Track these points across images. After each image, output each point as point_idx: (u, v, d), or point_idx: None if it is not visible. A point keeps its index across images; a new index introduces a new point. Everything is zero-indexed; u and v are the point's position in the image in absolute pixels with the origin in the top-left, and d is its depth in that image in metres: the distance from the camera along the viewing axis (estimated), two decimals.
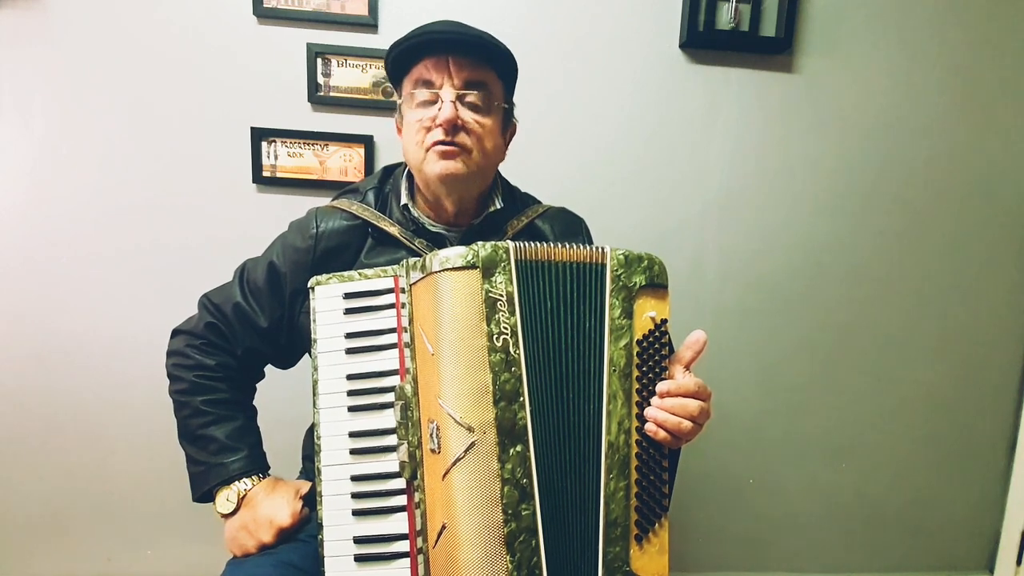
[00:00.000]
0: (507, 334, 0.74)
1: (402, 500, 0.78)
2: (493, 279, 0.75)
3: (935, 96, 1.68)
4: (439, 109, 0.90)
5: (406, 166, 1.01)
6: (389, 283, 0.82)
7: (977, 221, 1.74)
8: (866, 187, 1.70)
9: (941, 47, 1.66)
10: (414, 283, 0.79)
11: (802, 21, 1.62)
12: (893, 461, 1.83)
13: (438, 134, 0.90)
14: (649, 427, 0.78)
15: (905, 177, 1.71)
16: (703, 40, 1.59)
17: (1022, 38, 1.68)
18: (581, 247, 0.80)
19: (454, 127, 0.90)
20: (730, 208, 1.68)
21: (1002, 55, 1.68)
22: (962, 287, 1.77)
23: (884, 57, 1.65)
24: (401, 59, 0.93)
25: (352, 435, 0.80)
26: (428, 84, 0.91)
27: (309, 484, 0.97)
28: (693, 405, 0.78)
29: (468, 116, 0.91)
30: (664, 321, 0.80)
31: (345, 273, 0.85)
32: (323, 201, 1.05)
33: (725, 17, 1.58)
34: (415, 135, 0.93)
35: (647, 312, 0.80)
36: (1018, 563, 1.85)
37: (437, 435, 0.74)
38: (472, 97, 0.91)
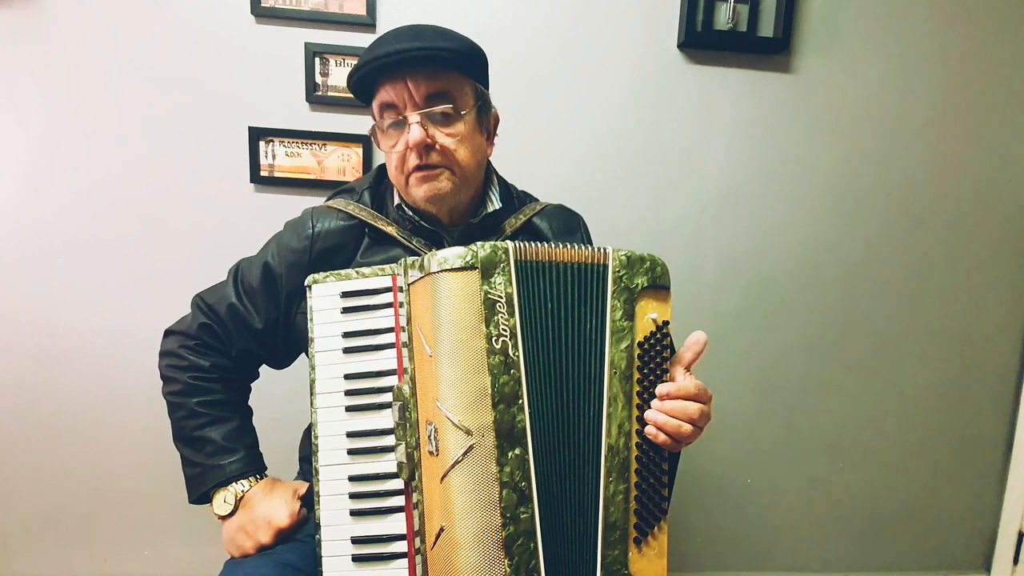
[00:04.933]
0: (506, 336, 0.74)
1: (400, 501, 0.78)
2: (492, 280, 0.74)
3: (932, 96, 1.68)
4: (408, 132, 0.88)
5: None
6: (387, 282, 0.82)
7: (974, 221, 1.75)
8: (863, 187, 1.70)
9: (938, 48, 1.66)
10: (412, 283, 0.78)
11: (800, 22, 1.62)
12: (890, 461, 1.83)
13: (413, 159, 0.89)
14: (649, 430, 0.78)
15: (902, 177, 1.71)
16: (701, 40, 1.59)
17: (1019, 39, 1.68)
18: (582, 248, 0.80)
19: (427, 147, 0.89)
20: (728, 208, 1.68)
21: (999, 56, 1.68)
22: (959, 287, 1.77)
23: (881, 58, 1.66)
24: (361, 86, 0.92)
25: (350, 435, 0.79)
26: (392, 107, 0.90)
27: (307, 485, 0.97)
28: (693, 408, 0.77)
29: (438, 132, 0.89)
30: (666, 323, 0.80)
31: (342, 271, 0.84)
32: (321, 201, 1.05)
33: (723, 17, 1.58)
34: (393, 161, 0.93)
35: (649, 314, 0.80)
36: (1015, 562, 1.85)
37: (435, 437, 0.73)
38: (438, 110, 0.88)
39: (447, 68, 0.88)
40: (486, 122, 0.97)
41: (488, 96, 0.97)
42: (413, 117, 0.88)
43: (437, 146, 0.89)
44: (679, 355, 0.83)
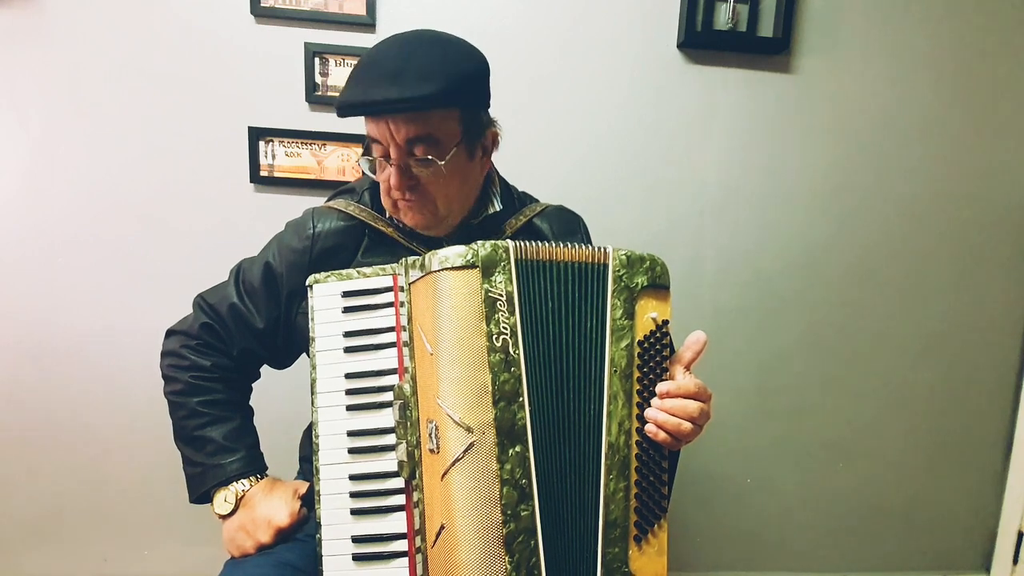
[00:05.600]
0: (507, 334, 0.74)
1: (401, 499, 0.78)
2: (493, 279, 0.75)
3: (932, 96, 1.69)
4: (389, 171, 0.88)
5: None
6: (388, 282, 0.82)
7: (973, 221, 1.75)
8: (863, 187, 1.71)
9: (938, 48, 1.67)
10: (413, 282, 0.78)
11: (800, 22, 1.62)
12: (890, 461, 1.83)
13: (396, 193, 0.89)
14: (649, 428, 0.78)
15: (901, 177, 1.71)
16: (701, 40, 1.59)
17: (1018, 39, 1.68)
18: (583, 247, 0.80)
19: (409, 186, 0.88)
20: (727, 208, 1.68)
21: (998, 56, 1.68)
22: (958, 287, 1.77)
23: (881, 58, 1.66)
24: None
25: (350, 434, 0.80)
26: (376, 141, 0.88)
27: (307, 484, 0.97)
28: (693, 406, 0.78)
29: (419, 172, 0.88)
30: (666, 322, 0.80)
31: (343, 271, 0.84)
32: (321, 201, 1.05)
33: (723, 17, 1.59)
34: (382, 185, 0.92)
35: (649, 313, 0.80)
36: (1015, 562, 1.85)
37: (436, 435, 0.73)
38: (419, 152, 0.85)
39: (431, 108, 0.84)
40: (480, 144, 0.93)
41: (481, 117, 0.93)
42: (393, 161, 0.87)
43: (420, 184, 0.88)
44: (679, 354, 0.83)
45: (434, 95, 0.82)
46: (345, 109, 0.85)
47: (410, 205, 0.91)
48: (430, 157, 0.85)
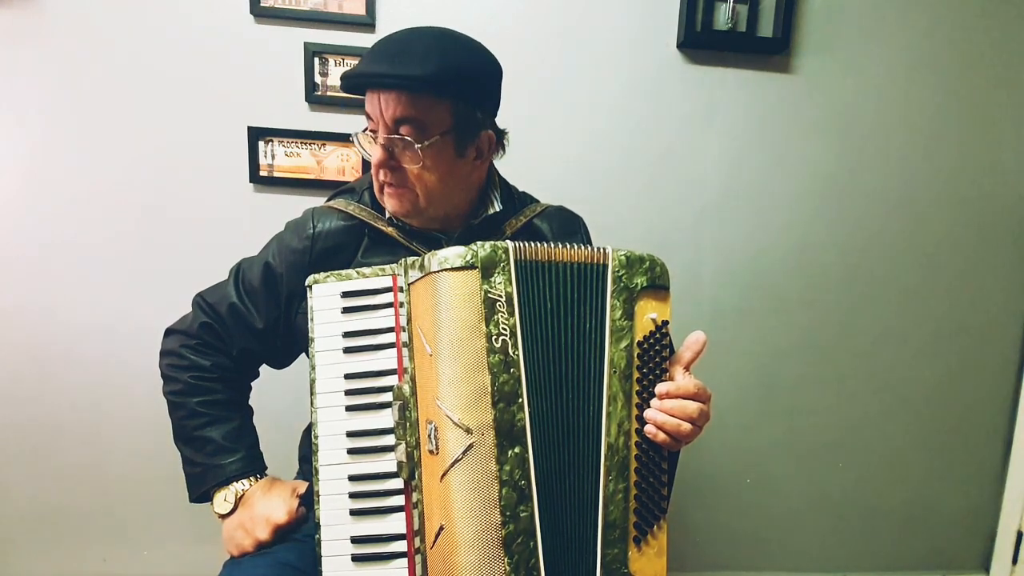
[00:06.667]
0: (506, 335, 0.74)
1: (400, 500, 0.78)
2: (492, 279, 0.75)
3: (932, 96, 1.69)
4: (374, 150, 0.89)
5: None
6: (387, 282, 0.82)
7: (974, 221, 1.75)
8: (863, 187, 1.71)
9: (938, 47, 1.67)
10: (412, 282, 0.78)
11: (799, 21, 1.62)
12: (890, 460, 1.83)
13: (381, 175, 0.91)
14: (648, 429, 0.78)
15: (901, 177, 1.71)
16: (700, 40, 1.59)
17: (1019, 39, 1.68)
18: (582, 247, 0.80)
19: (391, 167, 0.89)
20: (727, 208, 1.68)
21: (999, 55, 1.68)
22: (958, 287, 1.77)
23: (881, 57, 1.66)
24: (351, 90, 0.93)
25: (350, 435, 0.80)
26: (371, 119, 0.89)
27: (306, 484, 0.97)
28: (692, 407, 0.78)
29: (403, 156, 0.88)
30: (665, 323, 0.80)
31: (343, 272, 0.84)
32: (320, 201, 1.05)
33: (723, 17, 1.58)
34: (372, 166, 0.93)
35: (648, 313, 0.80)
36: (1014, 562, 1.86)
37: (435, 436, 0.73)
38: (403, 131, 0.86)
39: (419, 93, 0.85)
40: (472, 143, 0.92)
41: (477, 116, 0.91)
42: (380, 136, 0.88)
43: (400, 168, 0.89)
44: (678, 355, 0.83)
45: (423, 78, 0.83)
46: (345, 80, 0.89)
47: (391, 192, 0.92)
48: (408, 138, 0.86)
